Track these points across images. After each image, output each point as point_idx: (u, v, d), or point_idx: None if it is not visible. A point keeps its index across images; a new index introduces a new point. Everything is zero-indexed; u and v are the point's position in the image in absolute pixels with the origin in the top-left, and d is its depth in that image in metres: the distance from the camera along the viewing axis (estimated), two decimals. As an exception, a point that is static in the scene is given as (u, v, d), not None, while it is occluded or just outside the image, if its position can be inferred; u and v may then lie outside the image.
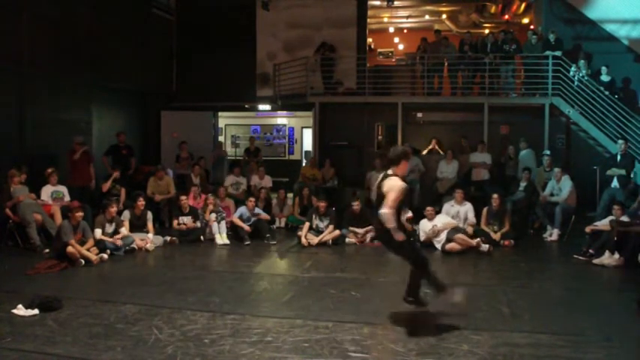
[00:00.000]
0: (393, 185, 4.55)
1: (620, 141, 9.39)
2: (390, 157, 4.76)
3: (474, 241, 7.83)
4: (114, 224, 7.72)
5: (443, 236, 7.98)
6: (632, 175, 9.29)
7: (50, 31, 10.14)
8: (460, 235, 7.83)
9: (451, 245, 7.75)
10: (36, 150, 9.83)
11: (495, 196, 8.50)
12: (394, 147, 5.06)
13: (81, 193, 9.13)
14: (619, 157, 9.20)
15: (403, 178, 4.68)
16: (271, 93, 13.45)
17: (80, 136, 9.86)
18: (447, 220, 8.15)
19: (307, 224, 8.62)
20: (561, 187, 9.01)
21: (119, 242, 7.53)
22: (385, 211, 4.47)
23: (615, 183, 9.06)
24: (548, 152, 10.11)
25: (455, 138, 11.97)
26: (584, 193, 9.73)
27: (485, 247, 7.84)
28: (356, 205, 8.75)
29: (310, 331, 4.54)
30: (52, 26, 10.18)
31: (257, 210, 9.14)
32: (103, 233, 7.49)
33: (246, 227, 8.71)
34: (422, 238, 8.14)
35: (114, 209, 7.78)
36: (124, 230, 7.79)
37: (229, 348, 4.16)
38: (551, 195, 9.08)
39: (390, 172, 4.69)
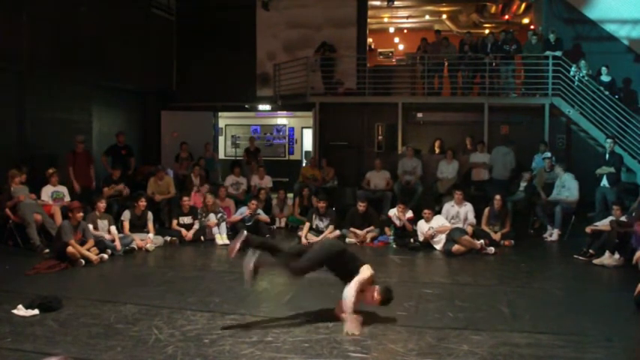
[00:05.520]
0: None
1: (609, 140, 9.45)
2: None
3: (479, 243, 7.83)
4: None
5: (442, 237, 7.99)
6: (620, 173, 9.37)
7: (50, 31, 10.13)
8: (466, 237, 7.83)
9: (456, 247, 7.73)
10: (36, 150, 9.82)
11: (498, 197, 8.50)
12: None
13: (81, 194, 9.10)
14: (607, 156, 9.24)
15: None
16: (271, 93, 13.44)
17: (81, 136, 9.90)
18: (442, 223, 8.14)
19: (307, 224, 8.64)
20: (565, 184, 8.97)
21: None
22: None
23: (605, 182, 9.09)
24: (548, 154, 10.08)
25: (455, 138, 11.94)
26: (585, 193, 9.71)
27: (491, 249, 7.85)
28: (362, 206, 8.75)
29: (310, 331, 4.54)
30: (52, 26, 10.17)
31: (258, 212, 9.16)
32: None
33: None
34: (420, 238, 8.16)
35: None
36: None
37: (229, 348, 4.16)
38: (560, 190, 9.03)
39: None
